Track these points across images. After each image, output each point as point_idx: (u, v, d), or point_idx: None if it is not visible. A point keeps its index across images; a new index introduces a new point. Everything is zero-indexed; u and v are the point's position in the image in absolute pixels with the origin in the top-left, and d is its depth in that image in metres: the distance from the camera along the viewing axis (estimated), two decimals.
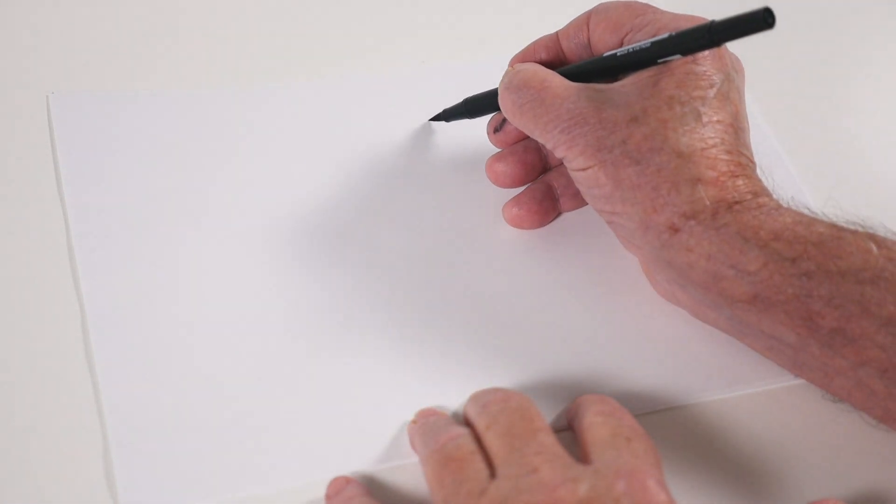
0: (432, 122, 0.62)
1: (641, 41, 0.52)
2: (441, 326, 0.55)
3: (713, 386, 0.53)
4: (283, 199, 0.59)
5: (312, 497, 0.49)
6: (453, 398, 0.52)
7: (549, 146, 0.54)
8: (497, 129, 0.59)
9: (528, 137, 0.58)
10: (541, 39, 0.58)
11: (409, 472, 0.50)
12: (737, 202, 0.50)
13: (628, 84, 0.52)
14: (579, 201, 0.59)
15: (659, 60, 0.52)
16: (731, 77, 0.52)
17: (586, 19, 0.56)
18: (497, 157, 0.59)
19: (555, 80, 0.54)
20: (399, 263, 0.57)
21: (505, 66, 0.58)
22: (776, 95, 0.66)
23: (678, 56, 0.51)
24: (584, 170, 0.52)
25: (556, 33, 0.57)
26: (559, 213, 0.59)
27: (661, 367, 0.54)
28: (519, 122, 0.55)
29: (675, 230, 0.50)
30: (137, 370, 0.52)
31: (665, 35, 0.52)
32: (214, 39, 0.67)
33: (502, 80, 0.56)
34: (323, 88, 0.65)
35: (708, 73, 0.52)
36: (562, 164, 0.58)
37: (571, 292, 0.56)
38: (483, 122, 0.60)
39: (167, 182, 0.59)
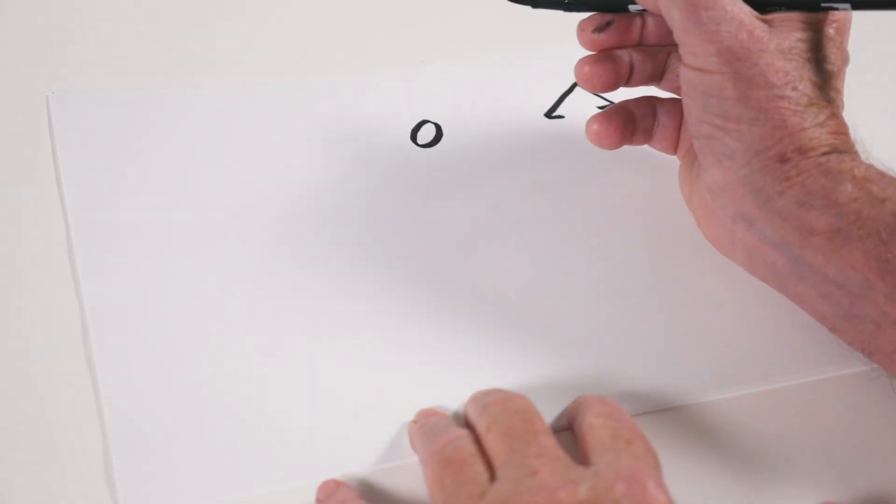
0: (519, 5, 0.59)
1: None
2: (441, 326, 0.55)
3: (713, 386, 0.53)
4: (282, 199, 0.59)
5: (311, 498, 0.49)
6: (453, 398, 0.52)
7: (683, 27, 0.52)
8: (599, 28, 0.57)
9: (622, 48, 0.57)
10: None
11: (408, 472, 0.50)
12: (844, 151, 0.51)
13: (777, 20, 0.52)
14: (646, 139, 0.58)
15: (823, 4, 0.51)
16: (847, 62, 0.53)
17: None
18: (590, 60, 0.57)
19: None
20: (399, 264, 0.57)
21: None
22: None
23: (847, 6, 0.51)
24: (708, 72, 0.51)
25: None
26: (633, 140, 0.58)
27: (661, 367, 0.54)
28: None
29: (783, 160, 0.50)
30: (137, 370, 0.52)
31: None
32: (214, 39, 0.67)
33: None
34: (323, 88, 0.65)
35: (843, 47, 0.53)
36: (639, 97, 0.58)
37: (572, 292, 0.56)
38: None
39: (167, 182, 0.59)
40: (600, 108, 0.64)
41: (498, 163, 0.61)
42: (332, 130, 0.63)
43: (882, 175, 0.50)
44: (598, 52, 0.57)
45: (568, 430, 0.50)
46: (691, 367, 0.54)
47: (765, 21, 0.52)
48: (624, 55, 0.57)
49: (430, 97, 0.62)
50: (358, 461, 0.50)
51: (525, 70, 0.66)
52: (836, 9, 0.51)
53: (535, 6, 0.58)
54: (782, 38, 0.51)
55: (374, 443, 0.51)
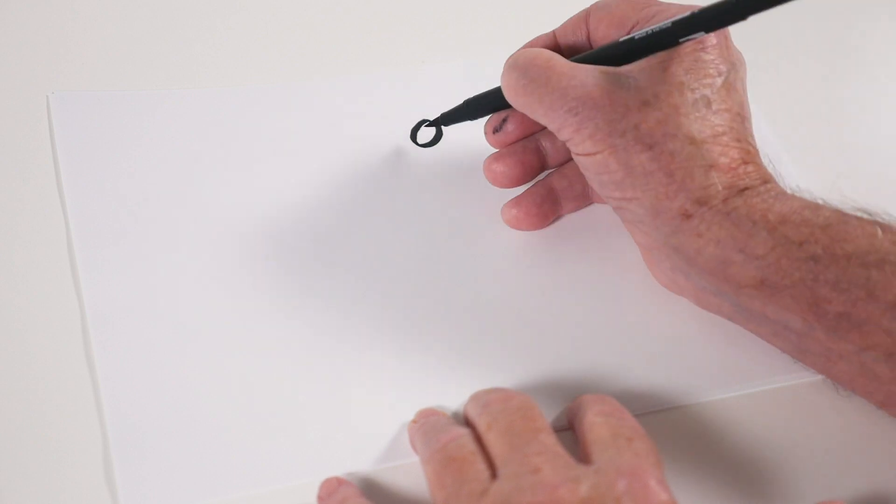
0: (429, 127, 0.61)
1: (658, 24, 0.51)
2: (441, 326, 0.55)
3: (714, 386, 0.53)
4: (282, 199, 0.59)
5: (312, 497, 0.49)
6: (453, 398, 0.52)
7: (553, 127, 0.53)
8: (497, 129, 0.58)
9: (526, 138, 0.58)
10: (537, 38, 0.57)
11: (408, 472, 0.50)
12: (747, 188, 0.50)
13: (636, 70, 0.51)
14: (580, 203, 0.59)
15: (681, 40, 0.51)
16: (737, 68, 0.52)
17: (584, 17, 0.56)
18: (495, 157, 0.58)
19: (560, 60, 0.53)
20: (399, 263, 0.57)
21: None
22: (774, 94, 0.66)
23: (701, 34, 0.50)
24: (591, 155, 0.52)
25: (553, 32, 0.57)
26: (559, 216, 0.59)
27: (662, 366, 0.54)
28: (523, 102, 0.53)
29: (686, 216, 0.50)
30: (137, 370, 0.52)
31: (688, 13, 0.51)
32: (214, 39, 0.67)
33: (507, 61, 0.55)
34: (323, 88, 0.65)
35: (716, 62, 0.51)
36: (563, 164, 0.58)
37: (572, 292, 0.56)
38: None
39: (167, 182, 0.59)
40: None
41: None
42: (333, 130, 0.63)
43: (797, 211, 0.49)
44: (507, 150, 0.58)
45: (568, 430, 0.50)
46: (691, 367, 0.54)
47: (625, 75, 0.51)
48: (530, 143, 0.58)
49: (430, 97, 0.62)
50: (358, 461, 0.50)
51: None
52: (693, 38, 0.51)
53: (445, 125, 0.60)
54: (645, 90, 0.51)
55: (374, 443, 0.51)
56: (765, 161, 0.52)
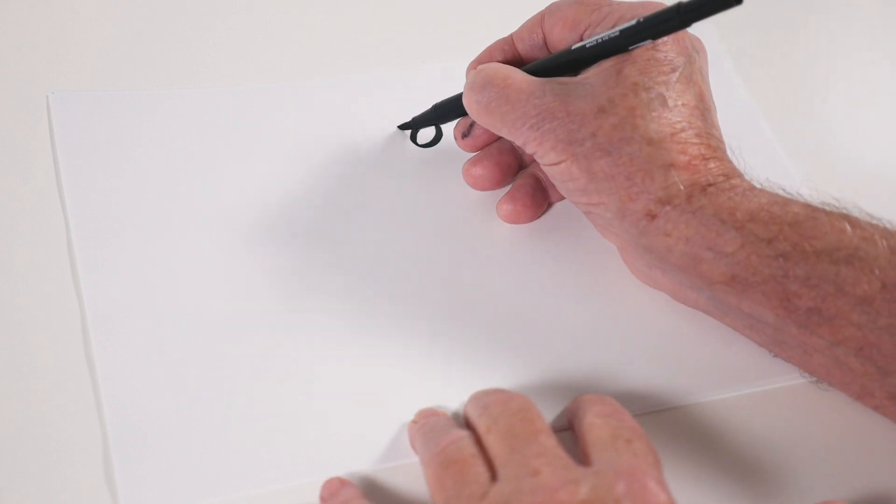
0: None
1: (606, 32, 0.52)
2: (441, 326, 0.55)
3: (713, 386, 0.53)
4: (282, 199, 0.59)
5: (312, 497, 0.49)
6: (453, 398, 0.52)
7: (518, 143, 0.54)
8: (465, 133, 0.59)
9: (499, 139, 0.58)
10: (496, 43, 0.58)
11: (409, 472, 0.50)
12: (710, 184, 0.50)
13: (591, 76, 0.52)
14: None
15: (630, 48, 0.52)
16: (693, 59, 0.53)
17: (539, 20, 0.56)
18: (473, 162, 0.58)
19: (517, 75, 0.54)
20: (399, 264, 0.57)
21: None
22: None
23: (648, 42, 0.51)
24: (556, 164, 0.53)
25: (511, 36, 0.57)
26: (550, 205, 0.59)
27: (662, 366, 0.54)
28: (486, 121, 0.54)
29: (651, 216, 0.51)
30: (137, 370, 0.52)
31: (633, 22, 0.51)
32: (214, 39, 0.67)
33: (466, 83, 0.56)
34: (323, 88, 0.65)
35: (669, 58, 0.52)
36: None
37: (571, 292, 0.56)
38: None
39: (167, 181, 0.59)
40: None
41: None
42: (332, 130, 0.63)
43: (765, 207, 0.49)
44: (483, 153, 0.58)
45: (568, 430, 0.50)
46: (691, 367, 0.54)
47: (580, 83, 0.52)
48: (504, 144, 0.58)
49: (430, 97, 0.62)
50: (358, 461, 0.50)
51: None
52: (641, 45, 0.52)
53: (416, 129, 0.61)
54: (600, 95, 0.51)
55: (374, 443, 0.51)
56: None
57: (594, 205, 0.52)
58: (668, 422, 0.52)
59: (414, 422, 0.51)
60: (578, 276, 0.57)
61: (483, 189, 0.59)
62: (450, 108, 0.59)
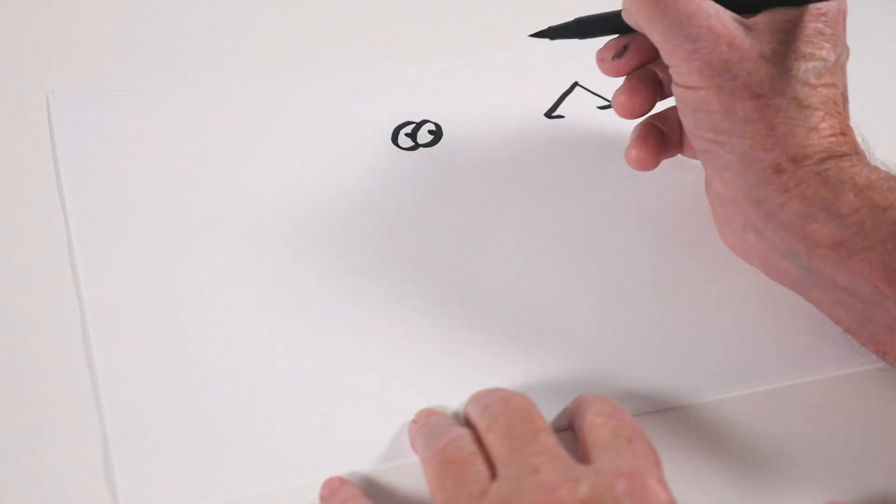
0: (534, 38, 0.59)
1: None
2: (442, 326, 0.55)
3: (713, 386, 0.53)
4: (283, 199, 0.59)
5: (312, 497, 0.49)
6: (453, 398, 0.52)
7: (665, 47, 0.52)
8: (617, 55, 0.57)
9: (642, 67, 0.57)
10: None
11: (409, 472, 0.50)
12: (840, 155, 0.51)
13: (762, 21, 0.52)
14: (673, 151, 0.58)
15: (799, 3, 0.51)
16: (847, 54, 0.53)
17: None
18: (625, 91, 0.57)
19: None
20: (399, 264, 0.57)
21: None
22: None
23: None
24: (695, 88, 0.52)
25: None
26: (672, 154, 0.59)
27: (661, 367, 0.54)
28: (644, 12, 0.53)
29: (778, 170, 0.51)
30: (137, 370, 0.52)
31: None
32: (214, 39, 0.67)
33: None
34: (323, 88, 0.65)
35: (834, 38, 0.52)
36: (665, 109, 0.58)
37: (572, 292, 0.56)
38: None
39: (167, 182, 0.59)
40: (600, 107, 0.64)
41: (498, 163, 0.61)
42: (332, 130, 0.63)
43: (884, 179, 0.50)
44: (627, 80, 0.57)
45: (568, 430, 0.50)
46: (691, 367, 0.54)
47: (748, 26, 0.52)
48: (651, 72, 0.57)
49: (430, 97, 0.62)
50: (358, 461, 0.50)
51: (525, 70, 0.66)
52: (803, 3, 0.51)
53: (552, 38, 0.58)
54: (764, 42, 0.51)
55: (374, 443, 0.51)
56: (858, 139, 0.53)
57: (719, 143, 0.52)
58: (668, 422, 0.52)
59: (414, 422, 0.51)
60: (579, 276, 0.57)
61: (630, 117, 0.57)
62: (597, 25, 0.57)
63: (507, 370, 0.53)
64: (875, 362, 0.52)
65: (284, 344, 0.54)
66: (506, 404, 0.48)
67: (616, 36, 0.57)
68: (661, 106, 0.58)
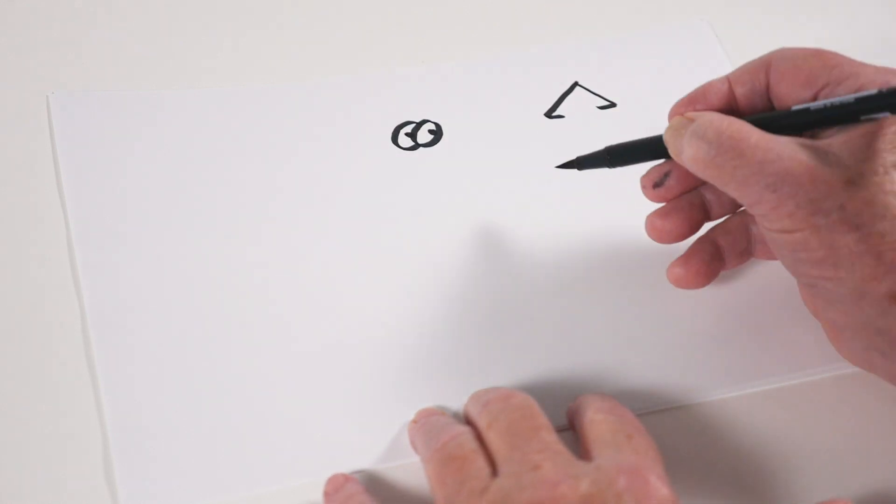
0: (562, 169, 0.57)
1: (842, 96, 0.49)
2: (442, 326, 0.55)
3: (713, 386, 0.53)
4: (282, 199, 0.59)
5: (312, 497, 0.49)
6: (454, 398, 0.52)
7: (747, 202, 0.49)
8: (658, 183, 0.55)
9: (689, 192, 0.55)
10: (711, 83, 0.53)
11: (409, 471, 0.50)
12: None
13: (836, 143, 0.49)
14: (744, 259, 0.56)
15: (862, 118, 0.48)
16: None
17: (764, 66, 0.52)
18: (659, 214, 0.55)
19: (753, 130, 0.49)
20: (399, 263, 0.57)
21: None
22: None
23: (886, 114, 0.48)
24: (790, 232, 0.49)
25: (727, 78, 0.53)
26: (722, 271, 0.56)
27: (662, 366, 0.54)
28: (711, 173, 0.50)
29: (895, 299, 0.48)
30: (137, 370, 0.52)
31: (874, 91, 0.48)
32: (214, 39, 0.67)
33: (675, 113, 0.53)
34: (323, 88, 0.65)
35: None
36: (726, 219, 0.56)
37: (572, 292, 0.56)
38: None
39: (167, 182, 0.59)
40: (600, 107, 0.64)
41: (498, 163, 0.61)
42: (333, 130, 0.63)
43: None
44: (665, 204, 0.55)
45: (569, 430, 0.50)
46: (691, 367, 0.54)
47: (825, 151, 0.48)
48: (694, 198, 0.55)
49: (430, 97, 0.62)
50: (358, 461, 0.50)
51: (525, 70, 0.66)
52: (875, 118, 0.48)
53: (580, 169, 0.56)
54: (847, 167, 0.48)
55: (374, 443, 0.51)
56: None
57: (827, 279, 0.49)
58: (668, 422, 0.52)
59: (414, 422, 0.51)
60: (579, 276, 0.57)
61: (666, 242, 0.55)
62: (631, 154, 0.55)
63: (507, 370, 0.53)
64: None
65: (284, 344, 0.54)
66: (506, 402, 0.48)
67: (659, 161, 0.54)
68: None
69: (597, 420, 0.47)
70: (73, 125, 0.61)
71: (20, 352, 0.53)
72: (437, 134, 0.62)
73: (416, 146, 0.62)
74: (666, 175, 0.54)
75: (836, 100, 0.49)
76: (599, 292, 0.56)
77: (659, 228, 0.55)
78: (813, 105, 0.50)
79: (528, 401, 0.48)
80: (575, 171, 0.56)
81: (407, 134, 0.63)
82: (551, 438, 0.46)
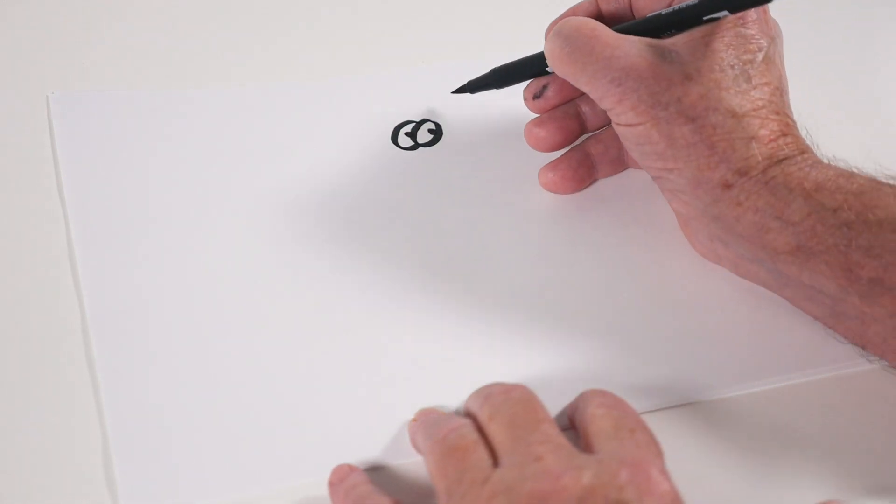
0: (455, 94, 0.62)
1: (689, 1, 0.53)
2: (442, 325, 0.55)
3: (715, 384, 0.53)
4: (283, 199, 0.59)
5: (312, 497, 0.49)
6: (454, 398, 0.52)
7: (595, 96, 0.54)
8: (537, 95, 0.59)
9: (566, 103, 0.59)
10: (580, 3, 0.58)
11: (409, 470, 0.50)
12: (785, 158, 0.51)
13: (679, 43, 0.53)
14: (616, 167, 0.60)
15: (704, 18, 0.52)
16: (776, 41, 0.54)
17: None
18: (536, 123, 0.59)
19: (605, 30, 0.54)
20: (399, 263, 0.57)
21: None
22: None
23: (725, 13, 0.52)
24: (633, 125, 0.53)
25: None
26: (595, 180, 0.60)
27: (664, 365, 0.54)
28: (567, 70, 0.54)
29: (727, 186, 0.51)
30: (137, 370, 0.52)
31: None
32: (214, 39, 0.67)
33: (551, 29, 0.56)
34: (323, 88, 0.65)
35: (756, 37, 0.53)
36: (601, 129, 0.59)
37: (573, 291, 0.56)
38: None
39: (167, 182, 0.59)
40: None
41: (498, 162, 0.61)
42: (333, 130, 0.63)
43: (832, 178, 0.50)
44: (542, 113, 0.59)
45: (570, 430, 0.50)
46: (693, 367, 0.54)
47: (668, 49, 0.52)
48: (570, 108, 0.59)
49: (430, 97, 0.62)
50: (358, 460, 0.50)
51: None
52: (717, 18, 0.52)
53: (472, 92, 0.60)
54: (686, 63, 0.52)
55: (374, 442, 0.51)
56: (802, 132, 0.54)
57: (668, 170, 0.53)
58: (670, 420, 0.52)
59: (414, 420, 0.51)
60: (580, 274, 0.57)
61: (543, 150, 0.59)
62: (514, 72, 0.59)
63: (508, 370, 0.53)
64: (878, 362, 0.52)
65: (284, 344, 0.54)
66: (508, 395, 0.48)
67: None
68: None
69: (598, 414, 0.47)
70: (73, 125, 0.61)
71: (20, 352, 0.53)
72: (437, 134, 0.62)
73: (415, 146, 0.62)
74: (545, 87, 0.58)
75: (682, 4, 0.53)
76: (601, 291, 0.56)
77: (535, 136, 0.59)
78: (664, 10, 0.54)
79: (530, 394, 0.48)
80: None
81: (407, 134, 0.63)
82: (553, 431, 0.46)
